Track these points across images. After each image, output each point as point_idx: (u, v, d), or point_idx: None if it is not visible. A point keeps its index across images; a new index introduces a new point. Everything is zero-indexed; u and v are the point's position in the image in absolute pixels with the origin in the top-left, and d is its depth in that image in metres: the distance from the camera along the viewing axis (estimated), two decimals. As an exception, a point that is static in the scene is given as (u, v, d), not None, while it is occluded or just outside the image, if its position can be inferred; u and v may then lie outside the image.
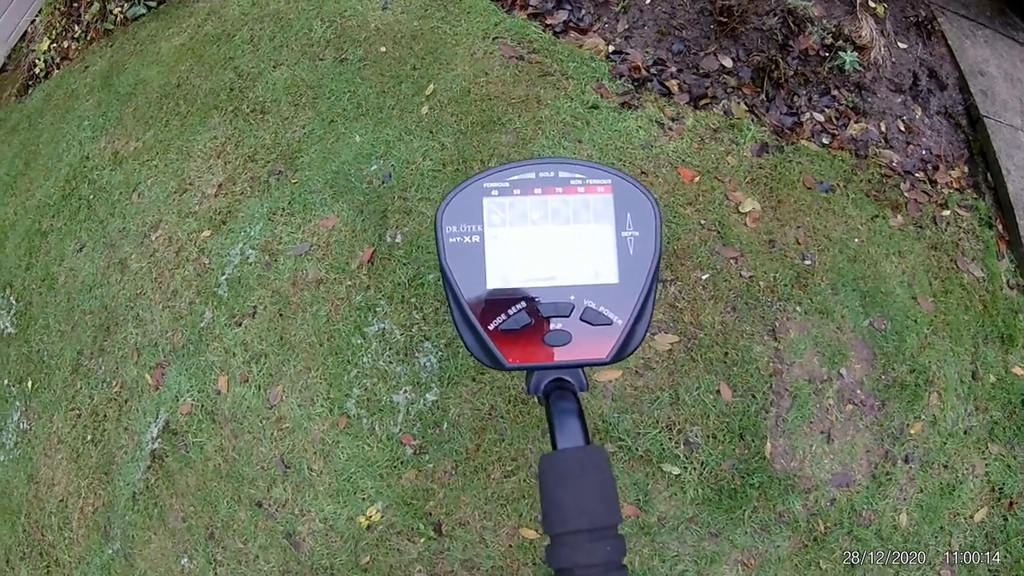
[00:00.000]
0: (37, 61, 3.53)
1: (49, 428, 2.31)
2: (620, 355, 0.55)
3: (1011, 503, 1.90)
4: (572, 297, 0.55)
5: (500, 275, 0.54)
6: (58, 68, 3.42)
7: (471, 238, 0.55)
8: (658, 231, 0.56)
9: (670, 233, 1.99)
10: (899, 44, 2.55)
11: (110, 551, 2.05)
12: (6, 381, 2.50)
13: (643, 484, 1.76)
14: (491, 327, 0.54)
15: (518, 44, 2.34)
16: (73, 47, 3.41)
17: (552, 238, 0.55)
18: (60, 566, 2.13)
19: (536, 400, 0.56)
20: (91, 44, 3.30)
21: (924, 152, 2.37)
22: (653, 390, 1.82)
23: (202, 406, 2.03)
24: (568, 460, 0.47)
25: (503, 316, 0.54)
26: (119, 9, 3.20)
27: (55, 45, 3.51)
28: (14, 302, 2.64)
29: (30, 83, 3.56)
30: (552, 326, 0.54)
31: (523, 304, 0.54)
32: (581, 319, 0.54)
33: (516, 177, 0.55)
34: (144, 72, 2.88)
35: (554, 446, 0.49)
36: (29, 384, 2.43)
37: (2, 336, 2.59)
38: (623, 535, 0.45)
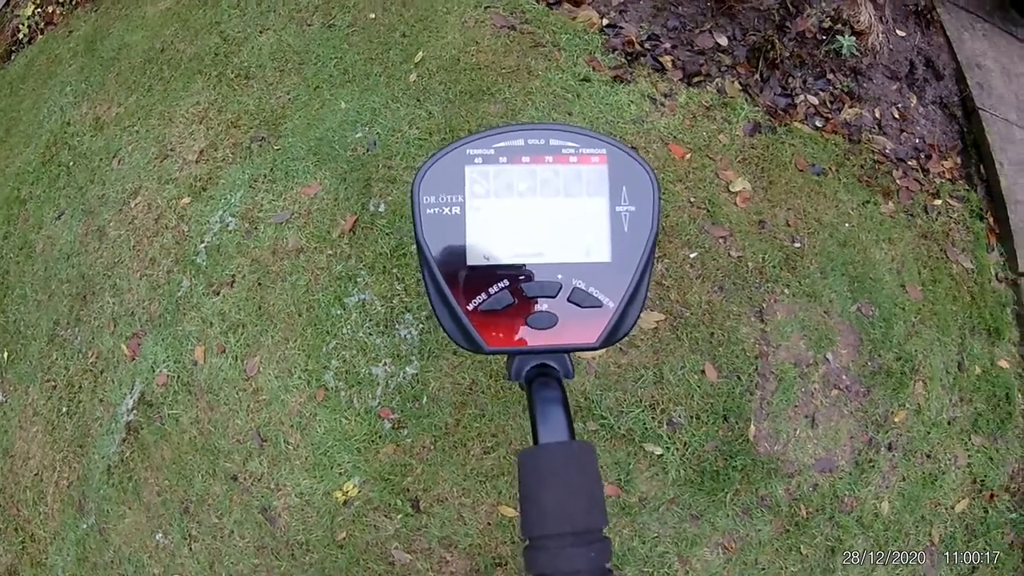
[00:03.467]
0: (21, 26, 3.45)
1: (25, 400, 2.26)
2: (610, 340, 0.50)
3: (992, 496, 1.89)
4: (560, 276, 0.50)
5: (481, 250, 0.50)
6: (42, 33, 3.34)
7: (451, 209, 0.50)
8: (656, 207, 0.51)
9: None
10: (897, 32, 2.52)
11: (85, 526, 2.01)
12: (-19, 352, 2.44)
13: (625, 463, 1.74)
14: (470, 307, 0.49)
15: (510, 14, 2.29)
16: (58, 12, 3.33)
17: (540, 211, 0.50)
18: (35, 541, 2.09)
19: (518, 386, 0.52)
20: (76, 9, 3.23)
21: (918, 140, 2.35)
22: (637, 368, 1.79)
23: (178, 377, 1.99)
24: (551, 456, 0.44)
25: (483, 295, 0.50)
26: (105, -26, 3.12)
27: (39, 10, 3.43)
28: (-9, 271, 2.58)
29: (13, 49, 3.48)
30: (537, 307, 0.50)
31: (506, 283, 0.50)
32: (569, 300, 0.50)
33: (503, 144, 0.51)
34: (128, 36, 2.81)
35: (535, 440, 0.45)
36: (5, 355, 2.37)
37: (-22, 306, 2.54)
38: (609, 539, 0.42)
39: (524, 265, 0.50)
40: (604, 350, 1.82)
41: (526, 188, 0.51)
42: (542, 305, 0.50)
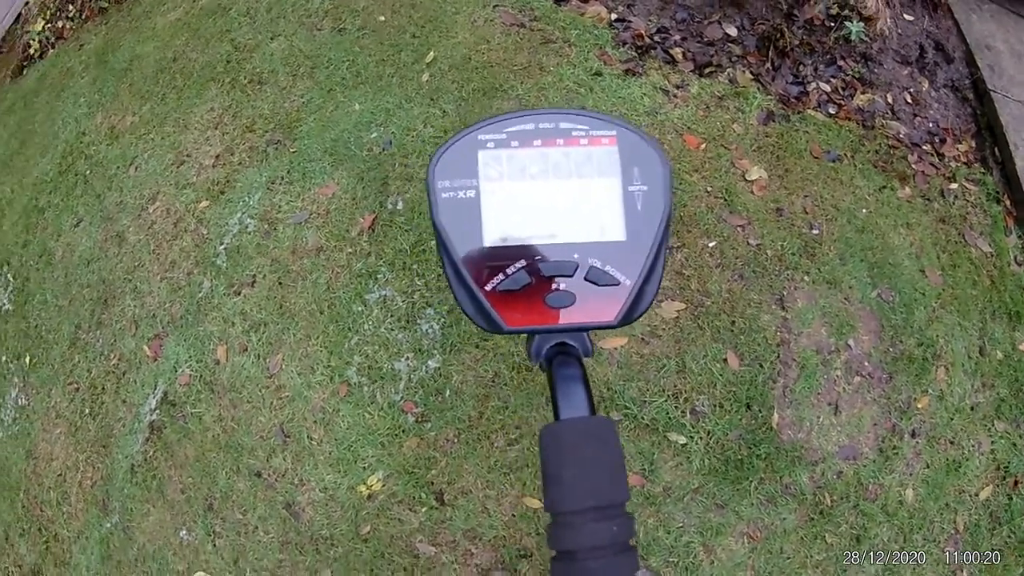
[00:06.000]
0: (32, 42, 3.50)
1: (47, 403, 2.29)
2: (628, 318, 0.50)
3: (1016, 482, 1.88)
4: (576, 255, 0.50)
5: (497, 232, 0.50)
6: (53, 48, 3.40)
7: (466, 193, 0.50)
8: (668, 185, 0.51)
9: (676, 200, 1.96)
10: (905, 16, 2.52)
11: (108, 524, 2.02)
12: (4, 358, 2.47)
13: (649, 453, 1.74)
14: (488, 288, 0.49)
15: (519, 12, 2.30)
16: (68, 26, 3.38)
17: (553, 193, 0.51)
18: (59, 541, 2.11)
19: (539, 367, 0.52)
20: (86, 23, 3.28)
21: (931, 125, 2.35)
22: (659, 358, 1.79)
23: (200, 376, 2.00)
24: (571, 431, 0.44)
25: (501, 276, 0.49)
26: (115, -14, 3.17)
27: (50, 25, 3.48)
28: (11, 279, 2.62)
29: (25, 64, 3.53)
30: (554, 286, 0.50)
31: (523, 263, 0.50)
32: (586, 279, 0.50)
33: (514, 128, 0.51)
34: (139, 48, 2.85)
35: (556, 416, 0.45)
36: (27, 360, 2.40)
37: (0, 313, 2.57)
38: (631, 513, 0.42)
39: (540, 245, 0.50)
40: (626, 340, 1.82)
41: (538, 171, 0.51)
42: (559, 284, 0.50)
